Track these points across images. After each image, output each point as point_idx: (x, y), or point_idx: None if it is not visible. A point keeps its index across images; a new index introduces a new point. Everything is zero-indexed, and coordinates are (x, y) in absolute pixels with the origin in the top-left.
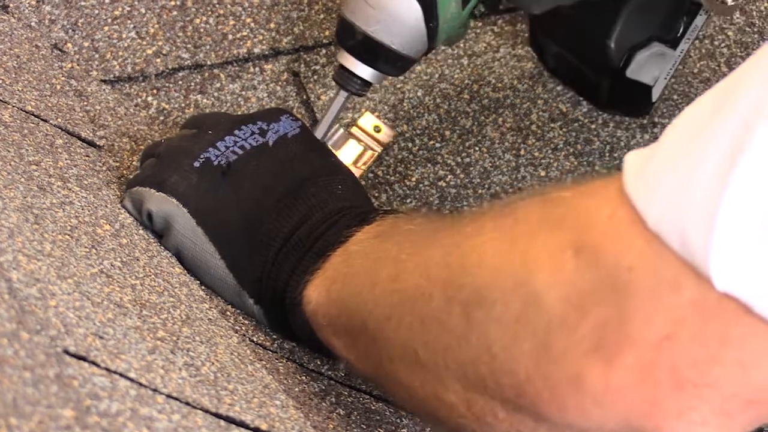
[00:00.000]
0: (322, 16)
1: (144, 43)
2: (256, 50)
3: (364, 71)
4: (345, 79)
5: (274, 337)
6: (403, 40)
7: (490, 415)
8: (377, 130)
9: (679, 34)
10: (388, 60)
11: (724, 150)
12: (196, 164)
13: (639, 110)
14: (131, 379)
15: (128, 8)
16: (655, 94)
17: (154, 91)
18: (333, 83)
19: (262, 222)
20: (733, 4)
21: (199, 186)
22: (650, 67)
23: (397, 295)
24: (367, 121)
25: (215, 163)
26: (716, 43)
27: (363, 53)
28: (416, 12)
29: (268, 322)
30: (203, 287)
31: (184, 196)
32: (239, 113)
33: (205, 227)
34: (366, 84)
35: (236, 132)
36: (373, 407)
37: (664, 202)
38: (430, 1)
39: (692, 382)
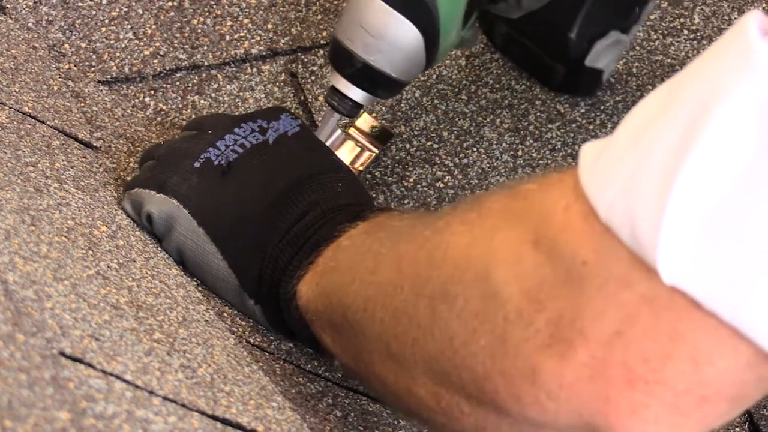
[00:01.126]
0: (319, 16)
1: (141, 43)
2: (254, 51)
3: (358, 95)
4: (338, 101)
5: (271, 338)
6: (403, 67)
7: (456, 410)
8: (375, 130)
9: (633, 21)
10: (386, 87)
11: (672, 144)
12: (197, 165)
13: (590, 91)
14: (127, 381)
15: (125, 9)
16: (605, 76)
17: (152, 92)
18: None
19: (262, 220)
20: None
21: (199, 186)
22: (606, 54)
23: (373, 288)
24: (365, 122)
25: (215, 162)
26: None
27: (361, 81)
28: (418, 41)
29: (266, 321)
30: (200, 288)
31: (185, 196)
32: (237, 114)
33: (206, 228)
34: (358, 107)
35: (236, 130)
36: (370, 408)
37: (614, 195)
38: (433, 31)
39: (644, 378)
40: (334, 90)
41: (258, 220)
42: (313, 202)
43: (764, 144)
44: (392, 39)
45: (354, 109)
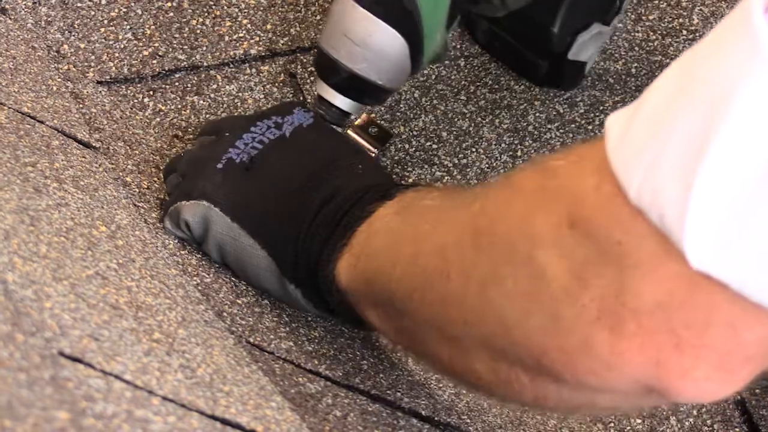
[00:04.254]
0: (318, 17)
1: (140, 44)
2: (253, 51)
3: (345, 104)
4: (325, 110)
5: (271, 337)
6: (390, 75)
7: (515, 382)
8: (374, 131)
9: (614, 13)
10: (372, 95)
11: (693, 132)
12: (219, 166)
13: (573, 84)
14: (127, 381)
15: (124, 9)
16: (588, 67)
17: (151, 92)
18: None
19: (291, 207)
20: None
21: (225, 184)
22: (588, 46)
23: (418, 276)
24: (364, 122)
25: (237, 161)
26: None
27: (347, 89)
28: (403, 48)
29: (307, 304)
30: (200, 288)
31: (213, 196)
32: (242, 113)
33: (240, 222)
34: (346, 115)
35: (252, 129)
36: (370, 408)
37: (641, 177)
38: (416, 38)
39: (690, 343)
40: (320, 99)
41: (287, 207)
42: (338, 186)
43: None
44: (377, 47)
45: (341, 118)
